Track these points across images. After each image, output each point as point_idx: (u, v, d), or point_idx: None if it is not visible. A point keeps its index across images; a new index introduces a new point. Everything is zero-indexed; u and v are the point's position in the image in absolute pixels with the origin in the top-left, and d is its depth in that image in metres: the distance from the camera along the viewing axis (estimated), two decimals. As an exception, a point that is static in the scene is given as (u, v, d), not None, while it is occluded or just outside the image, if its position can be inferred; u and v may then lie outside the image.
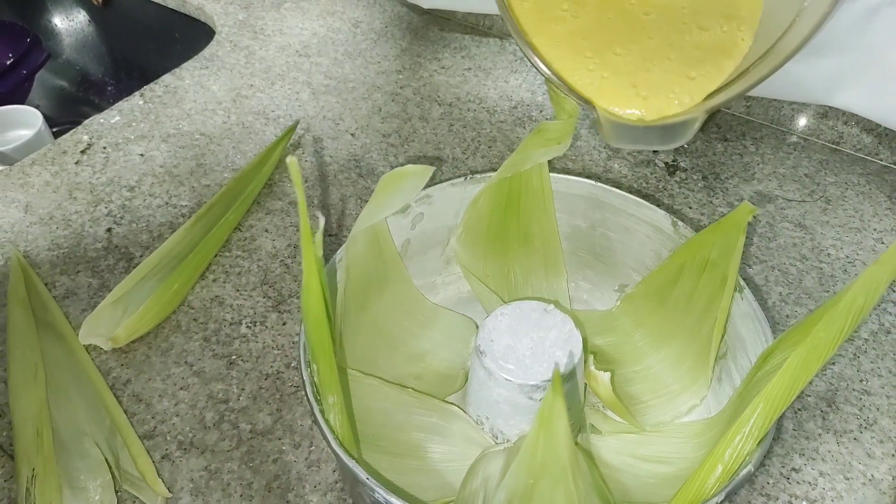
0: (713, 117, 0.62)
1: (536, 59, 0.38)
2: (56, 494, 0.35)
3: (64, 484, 0.36)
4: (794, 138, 0.60)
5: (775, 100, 0.60)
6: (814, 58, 0.44)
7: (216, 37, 0.70)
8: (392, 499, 0.28)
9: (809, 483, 0.38)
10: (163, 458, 0.38)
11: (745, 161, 0.58)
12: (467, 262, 0.44)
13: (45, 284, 0.46)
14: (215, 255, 0.49)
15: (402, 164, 0.56)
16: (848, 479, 0.38)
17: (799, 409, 0.41)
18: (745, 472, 0.29)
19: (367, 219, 0.38)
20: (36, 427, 0.38)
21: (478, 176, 0.41)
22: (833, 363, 0.44)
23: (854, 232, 0.52)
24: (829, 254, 0.50)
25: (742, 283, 0.36)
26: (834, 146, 0.59)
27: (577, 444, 0.37)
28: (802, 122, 0.60)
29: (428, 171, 0.38)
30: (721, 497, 0.28)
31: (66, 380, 0.41)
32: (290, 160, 0.23)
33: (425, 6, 0.70)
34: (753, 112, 0.62)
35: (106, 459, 0.37)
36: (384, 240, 0.40)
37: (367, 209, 0.38)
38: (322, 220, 0.27)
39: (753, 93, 0.37)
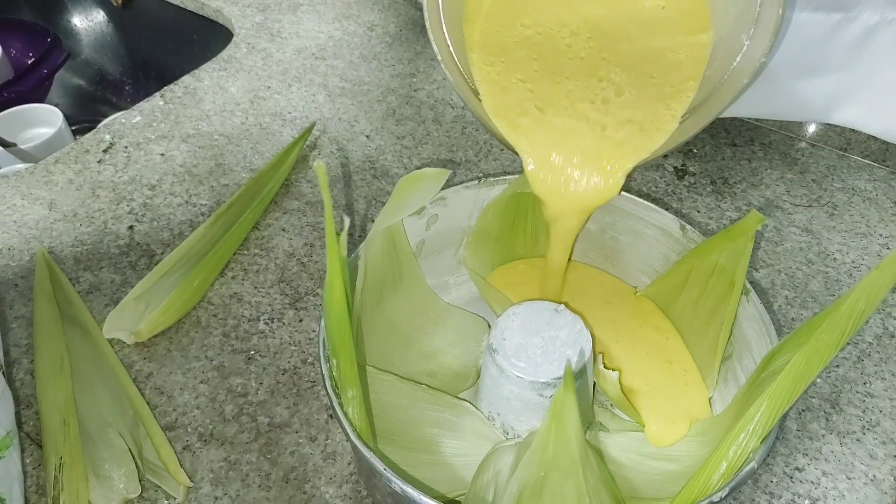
0: (721, 122, 0.62)
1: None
2: (83, 482, 0.37)
3: (90, 472, 0.37)
4: (803, 144, 0.61)
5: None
6: (813, 78, 0.44)
7: (234, 39, 0.71)
8: (408, 489, 0.29)
9: (812, 482, 0.39)
10: (184, 448, 0.40)
11: (753, 166, 0.59)
12: (475, 268, 0.45)
13: (70, 280, 0.48)
14: (234, 253, 0.50)
15: (416, 166, 0.58)
16: (850, 478, 0.39)
17: (803, 410, 0.42)
18: (748, 468, 0.29)
19: (384, 220, 0.39)
20: (63, 417, 0.39)
21: (491, 179, 0.42)
22: (837, 366, 0.44)
23: (860, 237, 0.53)
24: (835, 258, 0.51)
25: (749, 286, 0.37)
26: (841, 152, 0.60)
27: (585, 440, 0.38)
28: (811, 128, 0.61)
29: (444, 174, 0.40)
30: (725, 492, 0.29)
31: (91, 372, 0.42)
32: (318, 164, 0.24)
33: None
34: (762, 118, 0.62)
35: (129, 449, 0.39)
36: (400, 240, 0.41)
37: (384, 211, 0.39)
38: (347, 222, 0.28)
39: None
